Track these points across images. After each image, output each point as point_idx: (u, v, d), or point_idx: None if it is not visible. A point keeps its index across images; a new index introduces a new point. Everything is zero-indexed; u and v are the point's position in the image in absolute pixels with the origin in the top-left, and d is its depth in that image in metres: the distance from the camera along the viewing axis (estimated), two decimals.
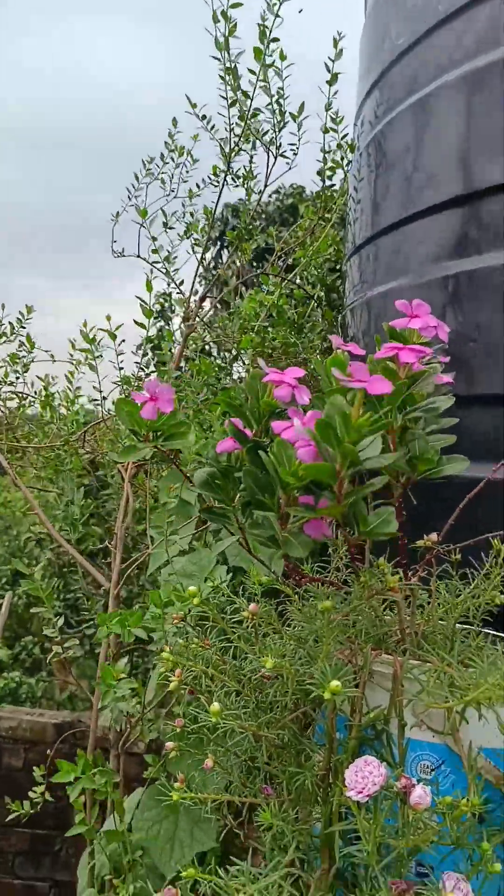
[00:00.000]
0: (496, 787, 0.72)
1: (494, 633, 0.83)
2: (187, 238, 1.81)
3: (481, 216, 0.99)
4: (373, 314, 1.25)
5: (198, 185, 1.80)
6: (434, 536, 0.83)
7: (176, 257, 1.75)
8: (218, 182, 1.68)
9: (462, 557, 0.88)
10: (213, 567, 1.23)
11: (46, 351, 2.03)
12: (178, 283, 1.71)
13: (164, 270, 1.67)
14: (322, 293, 1.82)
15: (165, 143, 1.79)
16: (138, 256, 1.72)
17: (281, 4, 1.50)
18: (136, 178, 1.79)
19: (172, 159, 1.80)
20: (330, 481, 0.64)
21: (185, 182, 1.81)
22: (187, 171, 1.80)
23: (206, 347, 1.75)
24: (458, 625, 0.81)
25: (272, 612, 0.82)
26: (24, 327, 1.94)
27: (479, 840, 0.67)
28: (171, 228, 1.79)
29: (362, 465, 0.63)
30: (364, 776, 0.63)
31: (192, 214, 1.84)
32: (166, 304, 2.08)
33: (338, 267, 1.83)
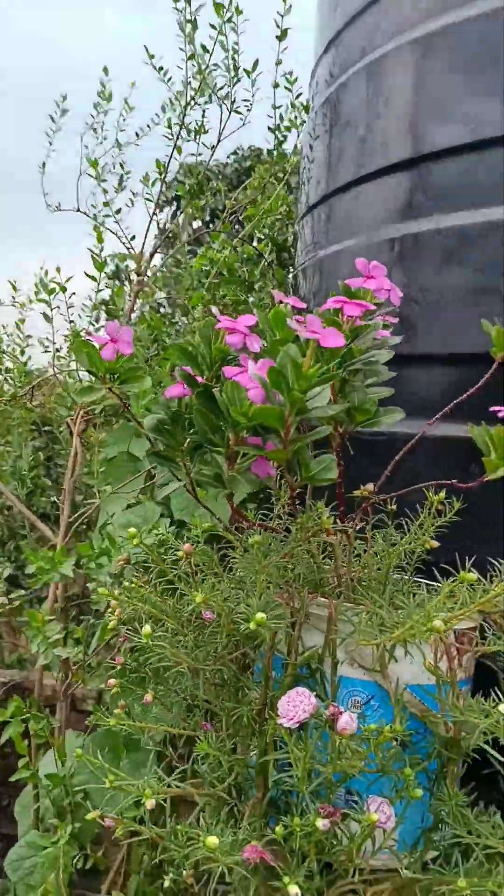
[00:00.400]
0: (420, 719, 0.77)
1: (427, 581, 0.87)
2: (122, 189, 1.77)
3: (427, 180, 1.01)
4: (324, 274, 1.27)
5: (136, 135, 1.77)
6: (370, 486, 0.86)
7: (120, 210, 1.73)
8: (172, 136, 1.67)
9: (399, 510, 0.92)
10: (157, 520, 1.25)
11: None
12: (128, 238, 1.70)
13: (104, 222, 1.65)
14: (273, 252, 1.83)
15: (99, 93, 1.75)
16: (77, 210, 1.70)
17: None
18: (53, 119, 1.73)
19: (98, 108, 1.75)
20: (278, 426, 0.67)
21: (122, 131, 1.78)
22: (123, 120, 1.76)
23: (158, 305, 1.75)
24: (392, 574, 0.86)
25: (213, 557, 0.85)
26: None
27: (402, 767, 0.72)
28: (104, 181, 1.74)
29: (309, 414, 0.66)
30: (295, 705, 0.67)
31: (121, 166, 1.79)
32: (121, 266, 2.07)
33: (289, 227, 1.84)
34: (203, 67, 1.61)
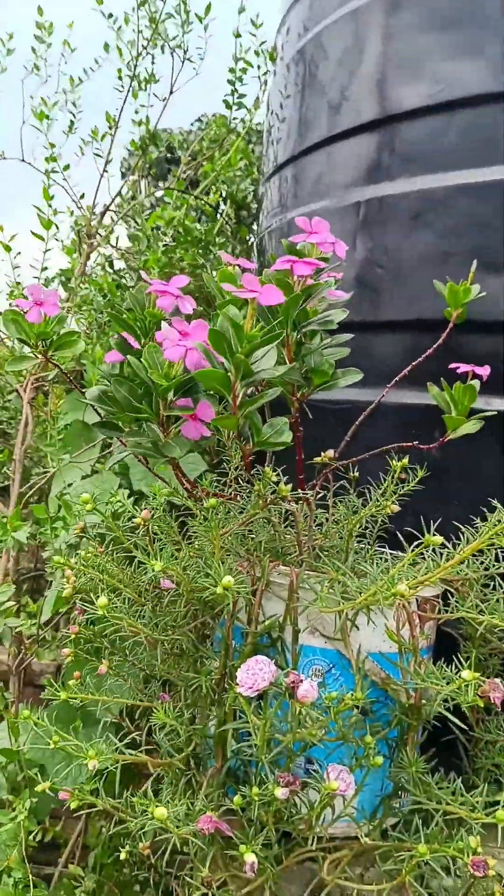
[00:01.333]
0: (381, 687, 0.77)
1: (391, 551, 0.87)
2: (72, 133, 1.69)
3: (394, 142, 1.00)
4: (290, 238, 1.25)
5: (84, 71, 1.68)
6: (331, 453, 0.86)
7: (69, 166, 1.66)
8: (122, 88, 1.61)
9: (362, 479, 0.91)
10: (116, 491, 1.23)
11: None
12: (78, 197, 1.64)
13: (51, 177, 1.58)
14: (231, 210, 1.79)
15: (36, 24, 1.65)
16: (22, 160, 1.63)
17: None
18: None
19: (34, 50, 1.66)
20: (224, 391, 0.65)
21: (64, 75, 1.69)
22: (65, 62, 1.68)
23: (111, 267, 1.70)
24: (354, 542, 0.85)
25: (172, 525, 0.83)
26: None
27: (363, 736, 0.72)
28: (53, 120, 1.65)
29: (256, 377, 0.65)
30: (254, 673, 0.66)
31: (73, 104, 1.70)
32: (78, 225, 2.01)
33: (250, 185, 1.80)
34: (155, 14, 1.55)
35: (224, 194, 1.71)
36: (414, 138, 0.99)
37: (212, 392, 0.71)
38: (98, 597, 0.70)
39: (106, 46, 1.59)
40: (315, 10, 1.20)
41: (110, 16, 1.59)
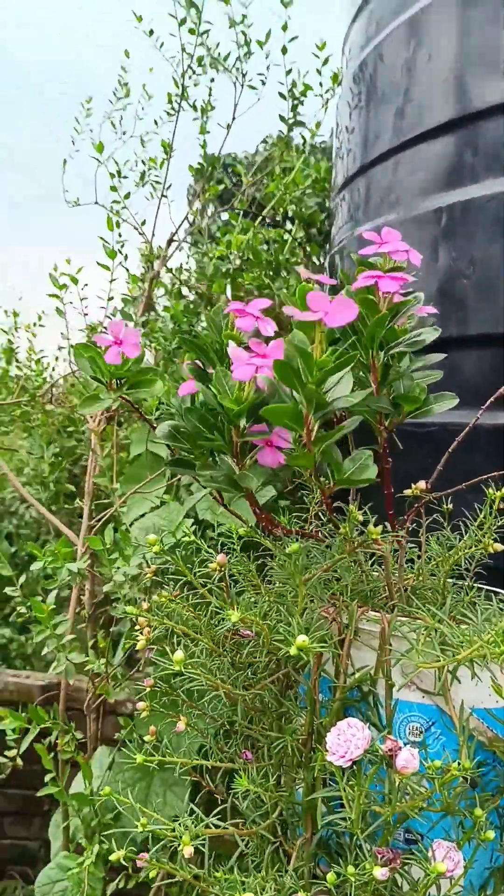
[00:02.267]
0: (488, 748, 0.68)
1: (489, 587, 0.79)
2: (143, 185, 1.71)
3: (477, 141, 0.92)
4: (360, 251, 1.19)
5: (155, 122, 1.70)
6: (422, 484, 0.78)
7: (129, 194, 1.65)
8: (174, 111, 1.58)
9: (455, 509, 0.83)
10: (181, 521, 1.18)
11: (5, 312, 1.98)
12: (139, 224, 1.62)
13: (119, 212, 1.58)
14: (302, 230, 1.73)
15: (119, 77, 1.69)
16: (95, 203, 1.64)
17: None
18: (78, 120, 1.69)
19: (115, 93, 1.69)
20: (296, 427, 0.59)
21: (141, 119, 1.71)
22: (142, 109, 1.69)
23: (182, 294, 1.67)
24: (450, 580, 0.77)
25: (250, 567, 0.77)
26: None
27: (471, 806, 0.64)
28: (124, 177, 1.69)
29: (330, 407, 0.58)
30: (346, 739, 0.59)
31: (144, 162, 1.74)
32: (142, 252, 2.00)
33: (319, 201, 1.75)
34: (197, 29, 1.51)
35: (291, 213, 1.66)
36: (498, 136, 0.91)
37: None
38: (174, 650, 0.65)
39: (169, 97, 1.57)
40: (375, 20, 1.14)
41: (151, 32, 1.57)
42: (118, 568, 1.03)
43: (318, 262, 1.72)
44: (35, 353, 1.99)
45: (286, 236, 1.64)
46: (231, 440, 0.64)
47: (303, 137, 1.68)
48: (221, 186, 1.72)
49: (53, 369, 1.99)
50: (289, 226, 1.77)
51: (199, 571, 0.74)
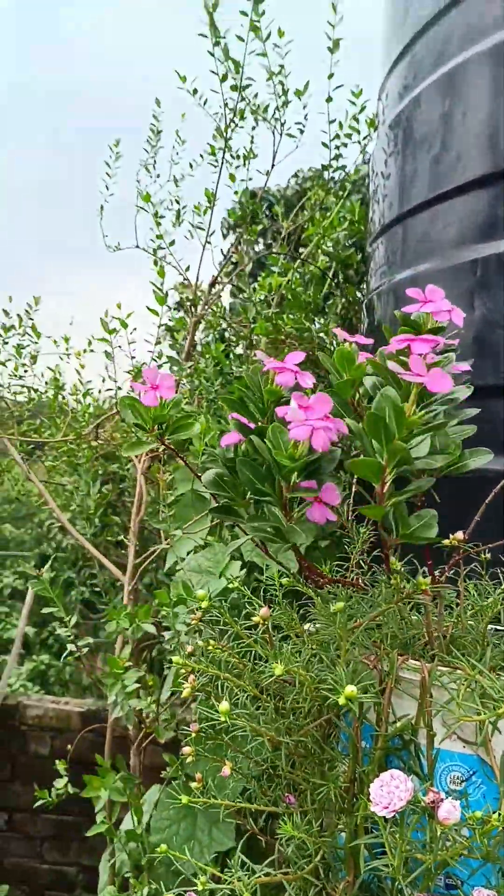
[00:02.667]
0: None
1: None
2: (179, 224, 1.76)
3: None
4: (399, 300, 1.22)
5: (191, 165, 1.76)
6: (460, 535, 0.80)
7: (174, 241, 1.71)
8: (216, 162, 1.64)
9: (493, 556, 0.85)
10: (228, 563, 1.21)
11: (55, 342, 2.04)
12: (183, 269, 1.68)
13: (163, 257, 1.64)
14: (339, 271, 1.77)
15: (151, 126, 1.75)
16: (136, 247, 1.70)
17: None
18: (108, 165, 1.76)
19: (150, 140, 1.75)
20: (373, 480, 0.62)
21: (176, 164, 1.77)
22: (177, 154, 1.75)
23: (224, 334, 1.72)
24: (490, 626, 0.79)
25: (293, 616, 0.80)
26: (32, 319, 1.94)
27: None
28: (161, 217, 1.75)
29: (412, 465, 0.61)
30: (390, 791, 0.61)
31: (177, 201, 1.80)
32: (183, 295, 2.06)
33: (354, 242, 1.78)
34: (239, 84, 1.57)
35: (328, 256, 1.70)
36: None
37: (335, 474, 0.68)
38: (219, 696, 0.67)
39: (212, 149, 1.63)
40: (412, 74, 1.18)
41: (195, 91, 1.63)
42: (176, 616, 1.06)
43: (357, 302, 1.75)
44: (82, 384, 2.04)
45: (324, 277, 1.68)
46: (281, 494, 0.67)
47: (343, 184, 1.73)
48: (260, 227, 1.77)
49: (100, 403, 2.05)
50: (323, 258, 1.81)
51: (244, 624, 0.77)
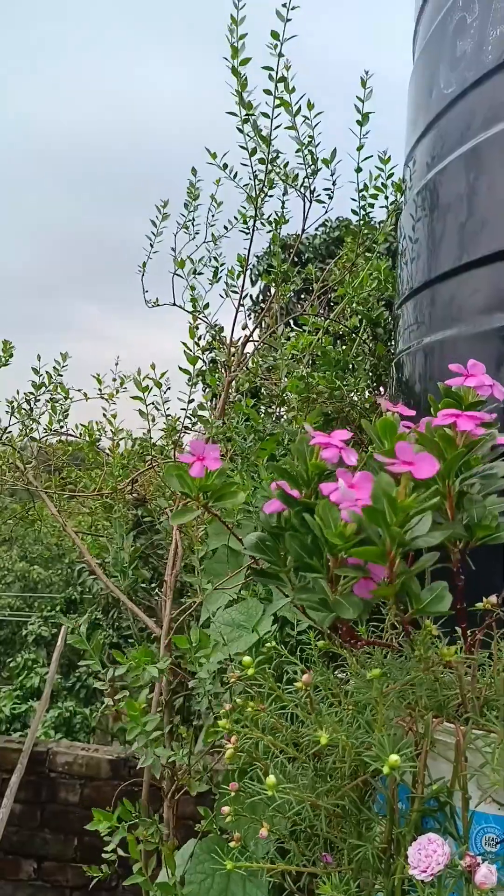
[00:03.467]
0: None
1: None
2: (216, 282, 1.84)
3: None
4: (428, 361, 1.26)
5: (225, 227, 1.84)
6: (494, 599, 0.83)
7: (208, 304, 1.78)
8: (248, 228, 1.72)
9: None
10: (261, 617, 1.24)
11: (85, 395, 2.11)
12: (217, 329, 1.74)
13: (201, 317, 1.72)
14: (368, 329, 1.82)
15: (187, 190, 1.84)
16: (174, 304, 1.77)
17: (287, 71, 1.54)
18: (154, 224, 1.84)
19: (187, 205, 1.83)
20: (380, 562, 0.65)
21: (212, 226, 1.86)
22: (213, 216, 1.84)
23: (256, 391, 1.78)
24: None
25: (330, 678, 0.83)
26: (61, 375, 2.02)
27: None
28: (199, 273, 1.83)
29: (411, 545, 0.64)
30: (427, 854, 0.63)
31: (216, 259, 1.88)
32: (216, 355, 2.12)
33: (382, 300, 1.83)
34: (269, 157, 1.64)
35: (359, 315, 1.75)
36: None
37: None
38: (262, 764, 0.70)
39: (243, 217, 1.70)
40: (439, 145, 1.24)
41: (225, 166, 1.71)
42: (201, 665, 1.09)
43: (379, 358, 1.79)
44: (116, 433, 2.10)
45: (354, 336, 1.73)
46: (327, 567, 0.70)
47: (370, 246, 1.79)
48: (292, 287, 1.83)
49: (135, 455, 2.10)
50: (354, 316, 1.86)
51: (286, 689, 0.79)
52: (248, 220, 1.72)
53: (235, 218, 1.78)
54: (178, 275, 1.75)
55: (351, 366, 1.60)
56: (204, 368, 1.90)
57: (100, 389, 2.14)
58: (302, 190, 1.68)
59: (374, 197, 1.70)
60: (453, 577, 0.76)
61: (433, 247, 1.25)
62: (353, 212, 1.71)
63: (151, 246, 1.91)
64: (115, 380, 2.16)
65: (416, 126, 1.40)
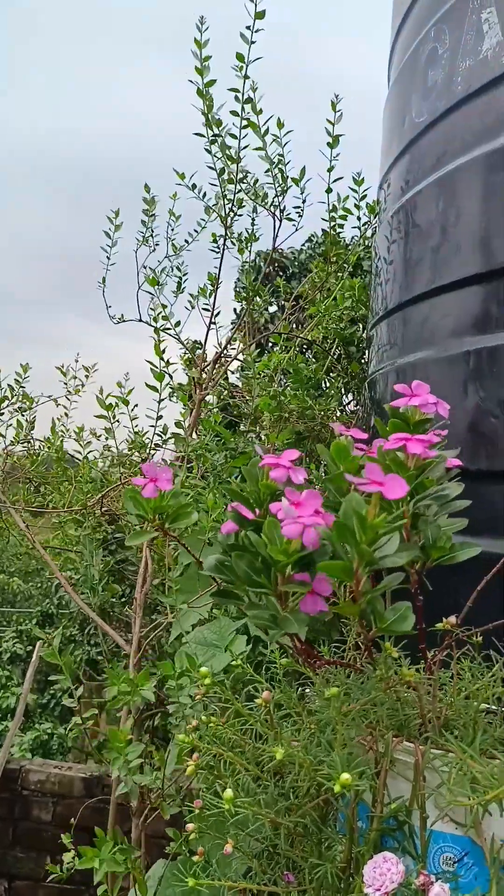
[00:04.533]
0: None
1: None
2: (181, 293, 1.85)
3: (501, 294, 1.03)
4: (401, 381, 1.29)
5: (186, 241, 1.86)
6: (453, 619, 0.85)
7: (179, 322, 1.80)
8: (218, 249, 1.75)
9: (486, 639, 0.89)
10: (233, 637, 1.25)
11: (55, 401, 2.13)
12: (191, 346, 1.77)
13: (170, 333, 1.74)
14: (340, 347, 1.85)
15: (144, 209, 1.85)
16: (140, 320, 1.80)
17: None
18: (109, 235, 1.84)
19: (144, 223, 1.85)
20: (347, 579, 0.67)
21: (172, 240, 1.87)
22: (173, 230, 1.86)
23: (227, 406, 1.80)
24: (483, 706, 0.83)
25: (292, 696, 0.84)
26: (23, 387, 2.05)
27: None
28: (163, 285, 1.84)
29: (379, 564, 0.66)
30: (382, 873, 0.65)
31: (178, 269, 1.89)
32: (189, 373, 2.14)
33: (355, 317, 1.86)
34: (237, 177, 1.67)
35: (331, 334, 1.79)
36: None
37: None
38: (224, 780, 0.72)
39: (214, 237, 1.73)
40: (412, 171, 1.27)
41: (194, 186, 1.74)
42: (182, 688, 1.10)
43: (358, 377, 1.82)
44: (80, 436, 2.12)
45: (326, 354, 1.76)
46: (276, 585, 0.73)
47: (341, 266, 1.83)
48: (265, 305, 1.86)
49: (104, 471, 2.12)
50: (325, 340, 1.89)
51: (247, 704, 0.81)
52: (217, 239, 1.76)
53: (196, 230, 1.80)
54: (145, 291, 1.77)
55: (323, 383, 1.63)
56: (178, 384, 1.92)
57: (65, 383, 2.16)
58: (272, 209, 1.72)
59: (344, 217, 1.74)
60: (412, 598, 0.79)
61: (406, 270, 1.29)
62: (325, 231, 1.75)
63: (108, 259, 1.91)
64: (75, 377, 2.18)
65: (391, 150, 1.44)
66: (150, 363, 1.59)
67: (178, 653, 1.19)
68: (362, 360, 1.83)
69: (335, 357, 1.80)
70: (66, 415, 2.14)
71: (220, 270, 1.75)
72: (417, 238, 1.25)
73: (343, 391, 1.76)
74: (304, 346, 1.88)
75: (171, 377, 1.64)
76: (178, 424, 1.70)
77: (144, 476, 0.88)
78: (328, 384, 1.68)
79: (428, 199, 1.22)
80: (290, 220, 1.76)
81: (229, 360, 1.81)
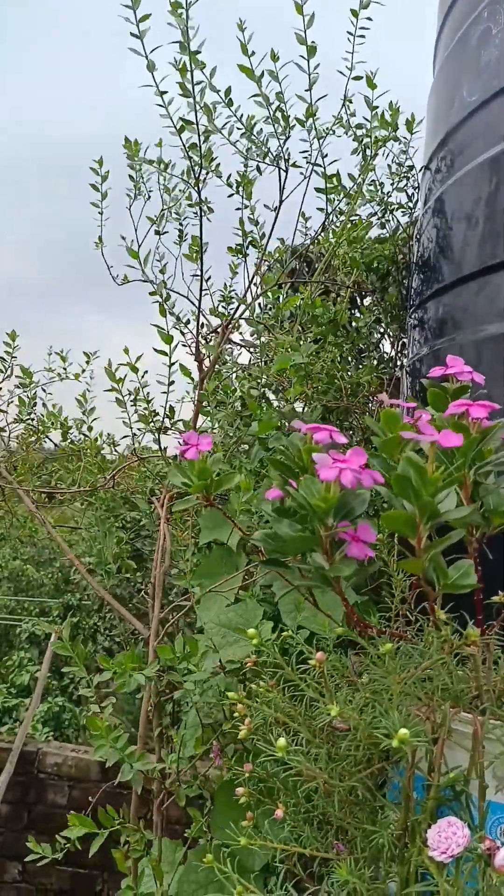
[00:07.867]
0: None
1: None
2: (182, 242, 1.78)
3: None
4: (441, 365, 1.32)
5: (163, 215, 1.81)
6: None
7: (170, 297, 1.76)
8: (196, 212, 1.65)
9: None
10: (260, 621, 1.26)
11: (58, 375, 2.14)
12: (184, 322, 1.72)
13: (168, 296, 1.69)
14: (371, 279, 1.81)
15: (130, 176, 1.80)
16: (145, 280, 1.73)
17: None
18: (97, 204, 1.81)
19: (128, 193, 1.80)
20: (409, 534, 0.69)
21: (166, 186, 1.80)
22: (142, 202, 1.79)
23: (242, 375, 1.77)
24: None
25: (346, 664, 0.86)
26: (15, 357, 2.05)
27: None
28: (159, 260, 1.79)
29: (441, 518, 0.68)
30: (448, 836, 0.67)
31: (177, 214, 1.82)
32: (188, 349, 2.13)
33: (380, 266, 1.79)
34: (200, 132, 1.52)
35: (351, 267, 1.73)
36: None
37: (371, 514, 0.75)
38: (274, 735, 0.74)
39: (188, 196, 1.68)
40: (463, 149, 1.30)
41: (151, 161, 1.68)
42: (191, 672, 1.12)
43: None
44: (93, 437, 2.13)
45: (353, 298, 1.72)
46: (319, 536, 0.75)
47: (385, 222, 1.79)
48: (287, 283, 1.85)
49: (115, 450, 2.12)
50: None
51: (298, 668, 0.83)
52: (194, 204, 1.65)
53: (168, 209, 1.71)
54: (131, 267, 1.73)
55: (348, 326, 1.60)
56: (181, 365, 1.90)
57: (64, 369, 2.16)
58: (273, 156, 1.60)
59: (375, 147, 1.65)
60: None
61: (448, 252, 1.32)
62: (354, 152, 1.67)
63: (101, 214, 1.86)
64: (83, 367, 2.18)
65: (436, 135, 1.47)
66: (157, 326, 1.58)
67: (179, 637, 1.20)
68: (401, 292, 1.77)
69: (363, 295, 1.77)
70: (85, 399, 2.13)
71: (201, 234, 1.64)
72: (461, 221, 1.28)
73: (374, 331, 1.72)
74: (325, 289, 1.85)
75: (183, 334, 1.63)
76: (201, 398, 1.68)
77: (185, 442, 0.92)
78: (355, 324, 1.63)
79: (474, 180, 1.24)
80: (298, 166, 1.63)
81: (230, 331, 1.74)
